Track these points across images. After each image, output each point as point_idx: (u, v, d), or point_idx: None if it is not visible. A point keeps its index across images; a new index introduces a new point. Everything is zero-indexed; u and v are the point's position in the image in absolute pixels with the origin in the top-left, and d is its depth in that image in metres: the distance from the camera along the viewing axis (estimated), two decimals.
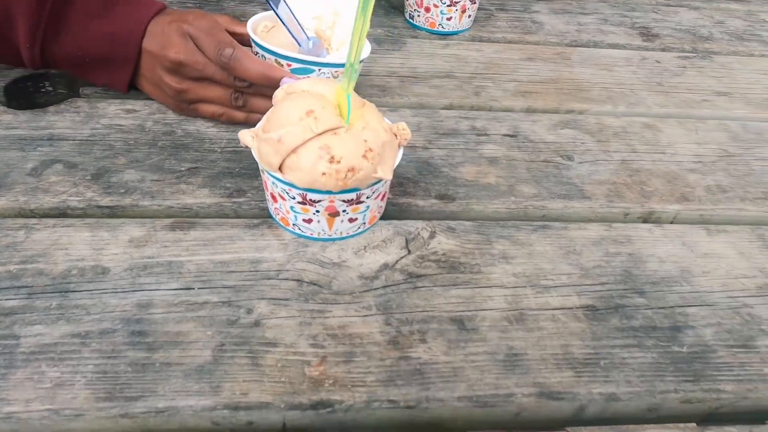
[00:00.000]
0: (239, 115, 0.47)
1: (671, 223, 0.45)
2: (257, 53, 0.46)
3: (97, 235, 0.37)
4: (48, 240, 0.37)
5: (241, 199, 0.42)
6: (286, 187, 0.35)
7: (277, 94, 0.38)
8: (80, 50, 0.45)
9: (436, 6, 0.65)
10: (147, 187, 0.42)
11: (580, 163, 0.49)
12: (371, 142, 0.35)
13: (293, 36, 0.45)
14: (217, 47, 0.42)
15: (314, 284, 0.36)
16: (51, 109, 0.48)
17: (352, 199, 0.36)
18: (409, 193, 0.44)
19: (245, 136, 0.36)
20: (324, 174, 0.33)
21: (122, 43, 0.45)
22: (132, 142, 0.46)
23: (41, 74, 0.52)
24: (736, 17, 0.83)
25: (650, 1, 0.86)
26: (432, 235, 0.40)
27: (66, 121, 0.47)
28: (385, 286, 0.36)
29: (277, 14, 0.43)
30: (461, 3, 0.65)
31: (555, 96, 0.59)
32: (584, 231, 0.42)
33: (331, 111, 0.35)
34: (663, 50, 0.72)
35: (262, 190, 0.42)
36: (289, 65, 0.44)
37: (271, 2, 0.43)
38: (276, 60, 0.44)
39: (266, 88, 0.43)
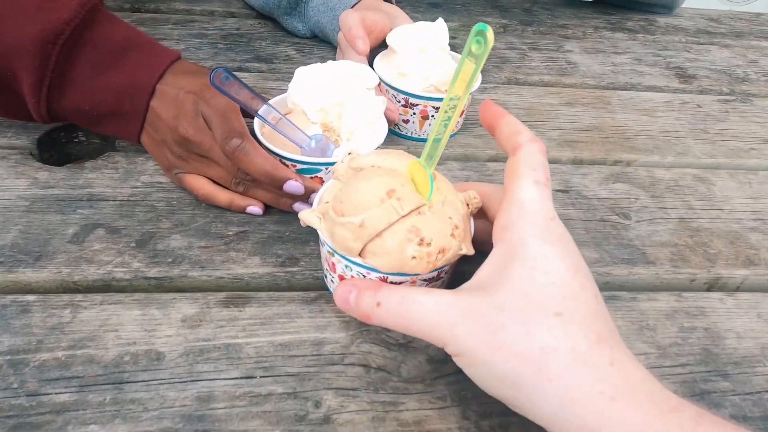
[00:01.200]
0: (223, 198, 0.42)
1: (737, 289, 0.43)
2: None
3: (147, 313, 0.35)
4: (96, 320, 0.34)
5: (294, 269, 0.39)
6: (364, 271, 0.33)
7: (338, 168, 0.36)
8: (87, 104, 0.43)
9: (391, 101, 0.53)
10: (195, 255, 0.39)
11: (638, 222, 0.48)
12: (455, 219, 0.33)
13: (291, 140, 0.42)
14: (227, 134, 0.39)
15: (382, 370, 0.33)
16: (88, 164, 0.46)
17: (433, 277, 0.34)
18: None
19: (310, 217, 0.34)
20: (414, 258, 0.31)
21: (131, 97, 0.42)
22: (175, 202, 0.44)
23: (73, 125, 0.50)
24: None
25: (680, 39, 0.85)
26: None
27: (105, 178, 0.45)
28: (457, 371, 0.34)
29: (268, 123, 0.41)
30: (420, 107, 0.52)
31: (601, 145, 0.57)
32: (655, 302, 0.40)
33: (411, 188, 0.32)
34: (701, 92, 0.71)
35: (315, 258, 0.40)
36: (294, 166, 0.41)
37: (258, 114, 0.41)
38: (281, 160, 0.42)
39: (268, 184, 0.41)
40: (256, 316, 0.36)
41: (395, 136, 0.56)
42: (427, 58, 0.53)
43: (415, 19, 0.59)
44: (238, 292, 0.37)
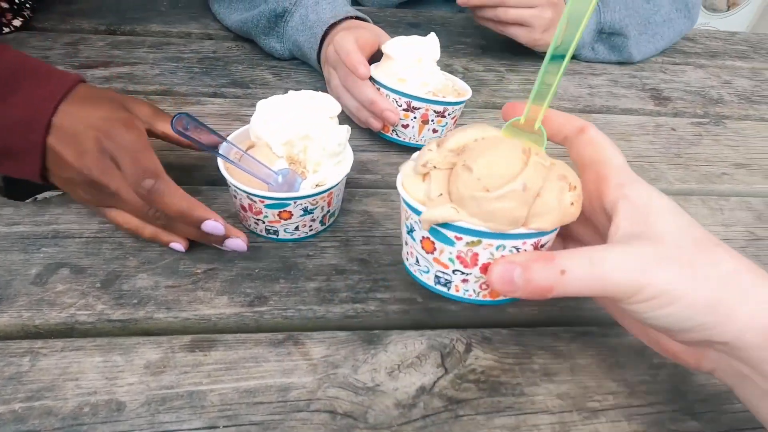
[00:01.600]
0: (147, 233, 0.41)
1: None
2: (230, 186, 0.42)
3: (109, 360, 0.34)
4: (56, 368, 0.33)
5: (263, 308, 0.39)
6: (520, 242, 0.31)
7: (431, 158, 0.32)
8: None
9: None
10: (162, 295, 0.39)
11: None
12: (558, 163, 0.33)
13: (257, 177, 0.41)
14: (139, 175, 0.37)
15: (349, 416, 0.33)
16: (55, 200, 0.46)
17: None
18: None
19: (443, 213, 0.30)
20: (572, 204, 0.31)
21: (24, 134, 0.38)
22: (143, 239, 0.43)
23: None
24: (742, 76, 0.84)
25: (656, 59, 0.86)
26: (468, 348, 0.38)
27: (71, 213, 0.44)
28: (424, 416, 0.33)
29: (232, 162, 0.40)
30: (422, 110, 0.53)
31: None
32: (625, 338, 0.40)
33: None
34: (676, 115, 0.71)
35: (284, 296, 0.40)
36: (263, 201, 0.41)
37: (219, 153, 0.40)
38: (248, 196, 0.41)
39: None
40: (221, 361, 0.35)
41: (391, 141, 0.56)
42: (423, 67, 0.53)
43: None
44: (205, 334, 0.37)
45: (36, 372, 0.33)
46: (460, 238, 0.31)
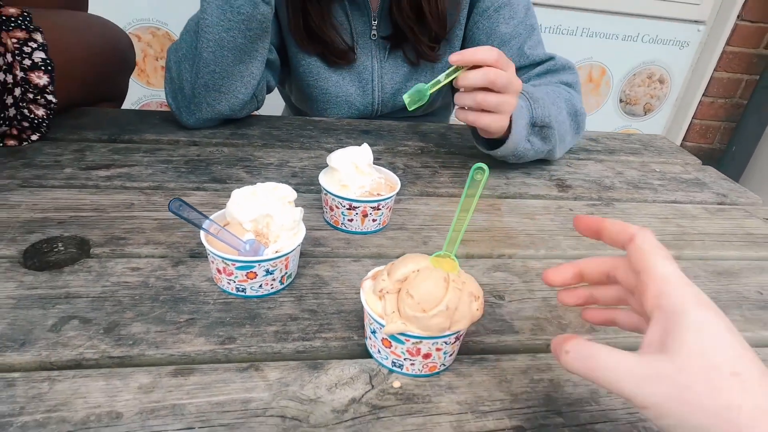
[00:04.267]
0: None
1: None
2: (209, 253, 0.54)
3: (110, 383, 0.45)
4: (69, 390, 0.43)
5: (232, 346, 0.50)
6: (452, 338, 0.47)
7: (384, 286, 0.46)
8: None
9: (337, 207, 0.68)
10: (152, 338, 0.50)
11: (510, 301, 0.61)
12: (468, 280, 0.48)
13: (230, 245, 0.54)
14: None
15: (295, 419, 0.43)
16: (66, 269, 0.57)
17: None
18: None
19: (397, 327, 0.45)
20: (477, 309, 0.47)
21: None
22: (137, 297, 0.54)
23: (56, 237, 0.62)
24: (632, 168, 1.03)
25: (565, 156, 1.05)
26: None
27: (80, 280, 0.56)
28: (353, 418, 0.44)
29: (210, 233, 0.53)
30: (361, 208, 0.67)
31: (488, 243, 0.72)
32: (514, 362, 0.52)
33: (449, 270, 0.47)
34: (575, 199, 0.88)
35: (249, 336, 0.51)
36: (234, 264, 0.53)
37: (202, 227, 0.53)
38: (222, 260, 0.53)
39: None
40: (198, 383, 0.46)
41: (342, 232, 0.70)
42: (360, 172, 0.69)
43: (348, 143, 0.76)
44: (185, 365, 0.47)
45: (53, 392, 0.43)
46: (409, 340, 0.46)
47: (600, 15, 2.09)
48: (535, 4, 1.03)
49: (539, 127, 0.87)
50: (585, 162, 1.04)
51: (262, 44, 0.88)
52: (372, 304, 0.48)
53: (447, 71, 0.75)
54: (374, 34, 1.03)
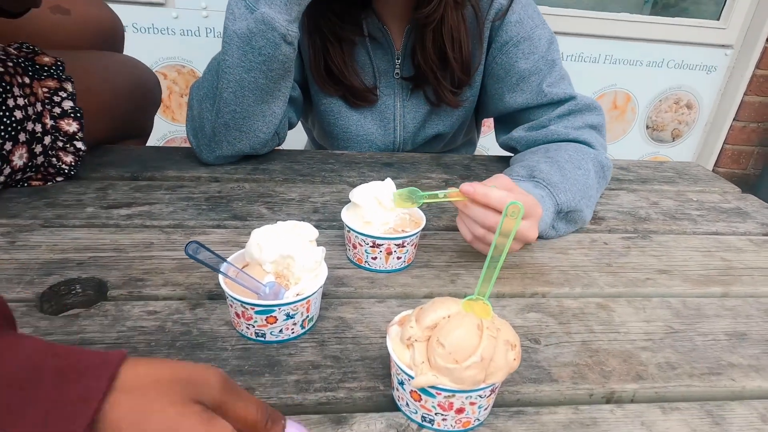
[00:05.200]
0: None
1: (631, 401, 0.51)
2: (228, 297, 0.52)
3: None
4: None
5: None
6: (487, 391, 0.43)
7: (412, 334, 0.43)
8: None
9: (360, 245, 0.66)
10: None
11: (546, 345, 0.57)
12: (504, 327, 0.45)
13: (249, 289, 0.52)
14: None
15: None
16: (82, 313, 0.55)
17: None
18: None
19: (428, 380, 0.42)
20: (515, 359, 0.43)
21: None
22: (153, 343, 0.52)
23: (74, 279, 0.60)
24: (668, 198, 0.98)
25: None
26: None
27: (95, 325, 0.54)
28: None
29: (228, 277, 0.51)
30: (385, 246, 0.65)
31: (520, 280, 0.68)
32: (555, 415, 0.48)
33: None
34: (609, 232, 0.84)
35: (269, 387, 0.48)
36: (253, 308, 0.51)
37: (220, 271, 0.51)
38: (241, 304, 0.51)
39: None
40: None
41: (366, 271, 0.67)
42: (384, 207, 0.66)
43: (370, 177, 0.74)
44: None
45: None
46: (440, 393, 0.43)
47: (622, 42, 2.06)
48: (556, 32, 1.01)
49: (565, 213, 0.78)
50: (617, 192, 1.00)
51: (284, 84, 0.87)
52: (399, 354, 0.44)
53: (449, 191, 0.65)
54: (397, 73, 1.02)
